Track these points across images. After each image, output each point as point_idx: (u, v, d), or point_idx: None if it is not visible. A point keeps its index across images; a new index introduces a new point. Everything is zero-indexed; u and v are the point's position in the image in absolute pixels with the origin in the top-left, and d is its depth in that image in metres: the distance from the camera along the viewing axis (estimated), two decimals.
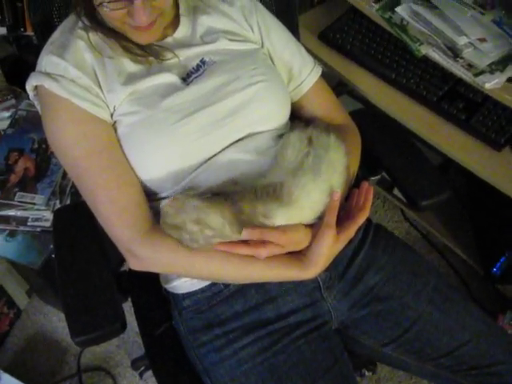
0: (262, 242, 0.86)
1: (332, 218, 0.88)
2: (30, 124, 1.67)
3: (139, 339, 1.81)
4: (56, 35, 1.00)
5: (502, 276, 1.75)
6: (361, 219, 0.93)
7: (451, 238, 1.92)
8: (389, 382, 1.78)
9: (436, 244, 2.09)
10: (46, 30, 1.09)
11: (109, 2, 0.88)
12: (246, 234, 0.83)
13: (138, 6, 0.87)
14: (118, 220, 0.93)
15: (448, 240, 1.93)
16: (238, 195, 0.86)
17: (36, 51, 1.00)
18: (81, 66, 0.95)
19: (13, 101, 1.74)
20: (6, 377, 1.57)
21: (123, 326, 0.93)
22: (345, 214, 0.96)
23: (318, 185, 0.89)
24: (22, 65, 1.89)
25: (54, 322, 1.88)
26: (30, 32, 1.75)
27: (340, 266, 1.05)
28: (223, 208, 0.85)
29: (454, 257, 2.00)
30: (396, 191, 2.03)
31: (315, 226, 0.90)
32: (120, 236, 0.94)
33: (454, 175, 1.97)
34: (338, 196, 0.89)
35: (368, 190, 0.96)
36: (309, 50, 1.18)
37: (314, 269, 0.90)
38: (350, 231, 0.92)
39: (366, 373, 1.73)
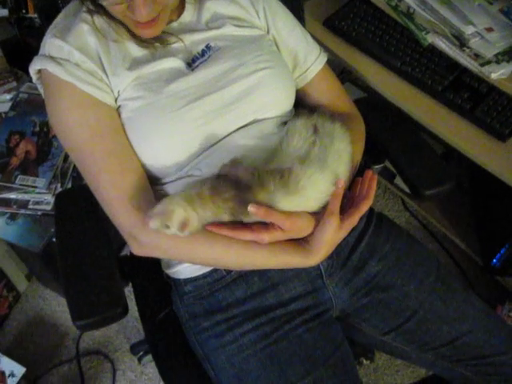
0: (265, 227, 0.86)
1: (336, 206, 0.88)
2: (31, 107, 1.66)
3: (138, 324, 1.82)
4: (60, 18, 0.99)
5: (502, 268, 1.75)
6: (364, 207, 0.93)
7: (451, 229, 1.93)
8: (386, 371, 1.79)
9: (436, 234, 2.10)
10: (50, 13, 1.08)
11: None
12: (252, 208, 0.82)
13: (139, 2, 0.86)
14: (121, 205, 0.93)
15: (448, 230, 1.93)
16: (243, 184, 0.86)
17: (38, 33, 0.99)
18: (85, 50, 0.94)
19: (14, 83, 1.73)
20: (5, 359, 1.58)
21: (125, 311, 0.93)
22: (348, 201, 0.96)
23: (325, 176, 0.88)
24: (23, 47, 1.88)
25: (53, 305, 1.88)
26: (31, 14, 1.74)
27: (342, 254, 1.05)
28: (227, 208, 0.85)
29: (453, 247, 2.01)
30: (397, 181, 2.03)
31: (319, 214, 0.90)
32: (122, 221, 0.93)
33: (456, 165, 1.96)
34: (342, 184, 0.89)
35: (372, 178, 0.96)
36: (314, 37, 1.17)
37: (316, 256, 0.90)
38: (354, 219, 0.92)
39: (364, 361, 1.75)
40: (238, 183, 0.85)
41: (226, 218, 0.86)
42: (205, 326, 1.00)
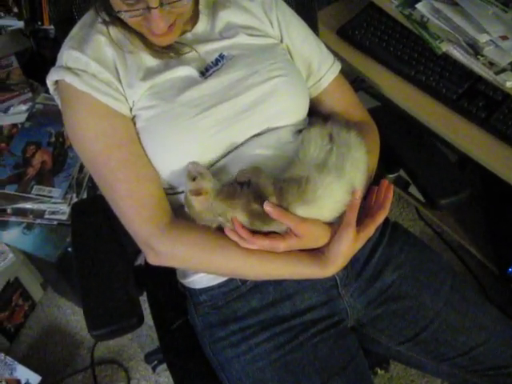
0: (281, 235, 0.87)
1: (352, 217, 0.88)
2: (47, 117, 1.68)
3: (152, 333, 1.82)
4: (76, 30, 1.00)
5: None
6: (380, 217, 0.93)
7: (466, 237, 1.91)
8: (401, 380, 1.78)
9: (451, 243, 2.08)
10: (66, 25, 1.09)
11: (126, 11, 0.89)
12: (267, 207, 0.83)
13: (156, 14, 0.87)
14: (137, 215, 0.93)
15: (463, 239, 1.92)
16: (259, 190, 0.86)
17: (53, 45, 1.00)
18: (102, 61, 0.95)
19: (30, 94, 1.74)
20: (21, 368, 1.58)
21: (140, 321, 0.94)
22: (364, 212, 0.95)
23: (342, 185, 0.88)
24: (38, 58, 1.90)
25: (68, 314, 1.89)
26: (47, 25, 1.75)
27: (357, 264, 1.04)
28: (243, 210, 0.86)
29: (468, 256, 1.99)
30: (411, 189, 2.02)
31: (335, 224, 0.90)
32: (139, 231, 0.94)
33: (470, 173, 1.95)
34: (359, 194, 0.89)
35: (388, 187, 0.96)
36: (327, 46, 1.17)
37: (332, 267, 0.90)
38: (370, 230, 0.92)
39: (379, 371, 1.73)
40: (256, 193, 0.85)
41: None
42: (220, 336, 1.00)
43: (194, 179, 0.88)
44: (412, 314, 1.04)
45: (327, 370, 0.96)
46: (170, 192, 1.00)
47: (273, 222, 0.85)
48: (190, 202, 0.89)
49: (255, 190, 0.86)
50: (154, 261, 0.94)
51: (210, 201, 0.87)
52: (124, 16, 0.90)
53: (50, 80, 0.98)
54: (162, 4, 0.86)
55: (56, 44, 0.98)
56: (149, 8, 0.86)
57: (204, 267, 0.96)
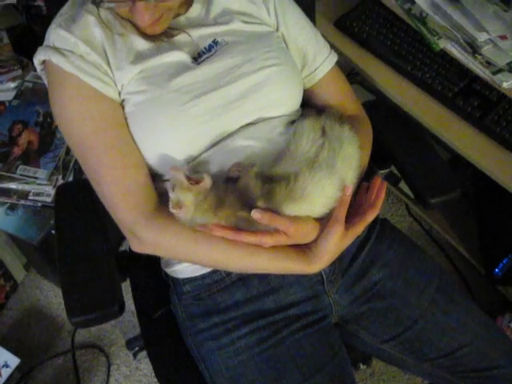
0: (269, 231, 0.85)
1: (342, 214, 0.87)
2: (35, 96, 1.65)
3: (134, 319, 1.80)
4: (66, 8, 0.97)
5: (504, 277, 1.74)
6: (371, 216, 0.92)
7: (455, 236, 1.91)
8: (383, 376, 1.78)
9: (438, 240, 2.08)
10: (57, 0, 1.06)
11: (110, 2, 0.87)
12: (256, 214, 0.81)
13: (140, 7, 0.86)
14: (122, 201, 0.92)
15: (451, 237, 1.92)
16: (246, 193, 0.84)
17: (45, 21, 0.98)
18: (90, 42, 0.92)
19: (19, 71, 1.71)
20: (0, 350, 1.56)
21: (121, 309, 0.92)
22: (354, 209, 0.94)
23: (333, 181, 0.87)
24: (30, 34, 1.86)
25: (50, 296, 1.88)
26: (39, 1, 1.72)
27: (344, 261, 1.04)
28: (230, 215, 0.84)
29: (456, 254, 2.00)
30: (402, 185, 2.01)
31: (323, 220, 0.89)
32: (123, 217, 0.92)
33: (462, 172, 1.94)
34: (350, 191, 0.88)
35: (380, 186, 0.94)
36: (324, 37, 1.15)
37: (318, 264, 0.89)
38: (359, 228, 0.91)
39: (361, 366, 1.73)
40: (245, 195, 0.83)
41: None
42: (202, 328, 0.99)
43: (172, 191, 0.85)
44: (397, 313, 1.04)
45: (309, 365, 0.95)
46: (157, 180, 0.98)
47: (260, 225, 0.84)
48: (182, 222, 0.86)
49: (242, 192, 0.84)
50: (137, 248, 0.93)
51: (190, 214, 0.84)
52: (108, 7, 0.89)
53: (37, 59, 0.95)
54: None
55: (48, 21, 0.96)
56: (133, 0, 0.84)
57: (188, 257, 0.94)
